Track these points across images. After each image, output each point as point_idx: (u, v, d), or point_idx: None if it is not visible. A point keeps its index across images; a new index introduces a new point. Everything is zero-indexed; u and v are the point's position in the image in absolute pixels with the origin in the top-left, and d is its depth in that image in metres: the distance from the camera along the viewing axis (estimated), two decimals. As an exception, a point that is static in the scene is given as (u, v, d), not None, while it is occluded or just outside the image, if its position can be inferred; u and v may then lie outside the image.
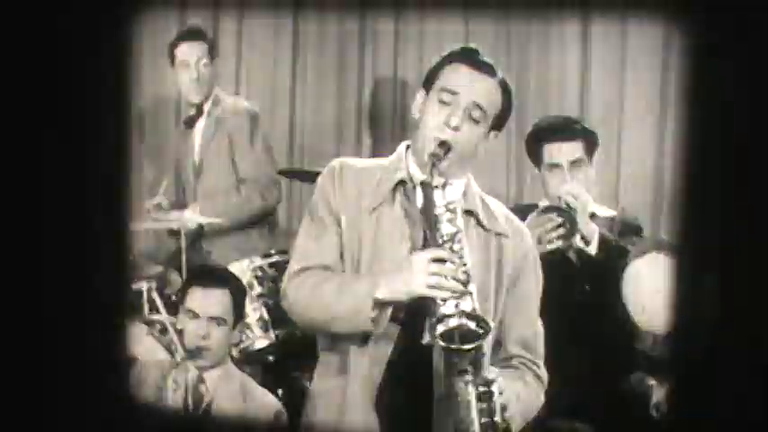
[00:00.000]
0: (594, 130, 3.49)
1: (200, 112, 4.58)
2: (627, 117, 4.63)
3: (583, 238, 3.25)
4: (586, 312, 3.26)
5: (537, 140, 3.43)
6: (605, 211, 3.51)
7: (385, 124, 5.09)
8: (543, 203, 3.36)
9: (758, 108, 1.81)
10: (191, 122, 4.61)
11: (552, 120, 3.57)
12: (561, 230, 3.20)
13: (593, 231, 3.26)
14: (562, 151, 3.36)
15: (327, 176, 2.56)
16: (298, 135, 5.23)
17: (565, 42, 4.79)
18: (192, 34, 4.58)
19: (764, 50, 1.80)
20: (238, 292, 3.31)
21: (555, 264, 3.08)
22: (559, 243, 3.20)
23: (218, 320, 3.19)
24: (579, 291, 3.28)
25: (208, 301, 3.21)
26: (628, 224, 3.49)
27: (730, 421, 1.86)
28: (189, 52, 4.52)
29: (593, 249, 3.26)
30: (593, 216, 3.35)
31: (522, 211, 3.10)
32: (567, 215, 3.22)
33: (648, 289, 3.12)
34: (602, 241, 3.27)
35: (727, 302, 1.84)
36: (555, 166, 3.35)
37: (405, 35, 5.03)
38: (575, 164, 3.35)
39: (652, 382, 3.34)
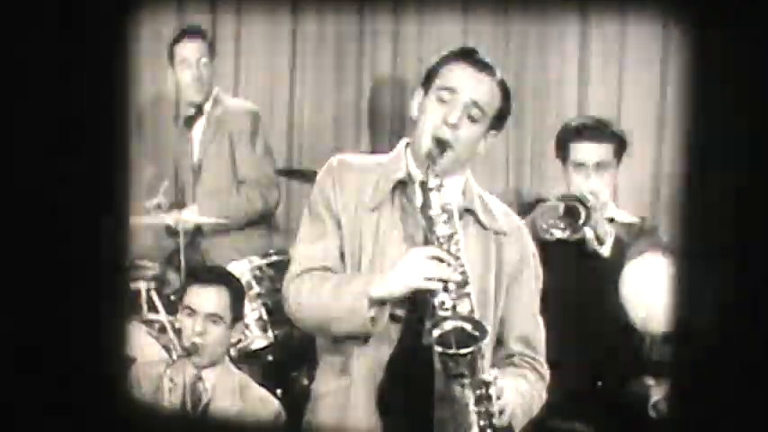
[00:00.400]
0: (624, 133, 3.47)
1: (199, 111, 4.57)
2: (625, 117, 4.62)
3: (597, 238, 3.24)
4: (593, 312, 3.26)
5: (566, 138, 3.42)
6: (625, 217, 3.49)
7: (384, 124, 5.08)
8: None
9: (758, 108, 1.81)
10: (190, 122, 4.60)
11: (584, 119, 3.56)
12: (573, 219, 3.20)
13: (608, 233, 3.25)
14: (589, 152, 3.36)
15: (326, 174, 2.55)
16: (296, 134, 5.22)
17: (564, 42, 4.78)
18: (192, 33, 4.57)
19: (765, 49, 1.80)
20: (236, 291, 3.31)
21: (565, 262, 3.07)
22: (569, 231, 3.19)
23: (215, 318, 3.19)
24: (588, 290, 3.27)
25: (205, 298, 3.21)
26: (647, 233, 3.47)
27: (730, 421, 1.85)
28: (189, 51, 4.51)
29: (606, 251, 3.25)
30: (611, 220, 3.34)
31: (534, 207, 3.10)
32: (584, 207, 3.21)
33: (646, 289, 3.12)
34: (616, 244, 3.26)
35: (726, 302, 1.84)
36: (580, 165, 3.35)
37: (403, 35, 5.02)
38: (600, 166, 3.34)
39: (651, 382, 3.34)
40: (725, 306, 1.84)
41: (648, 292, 3.10)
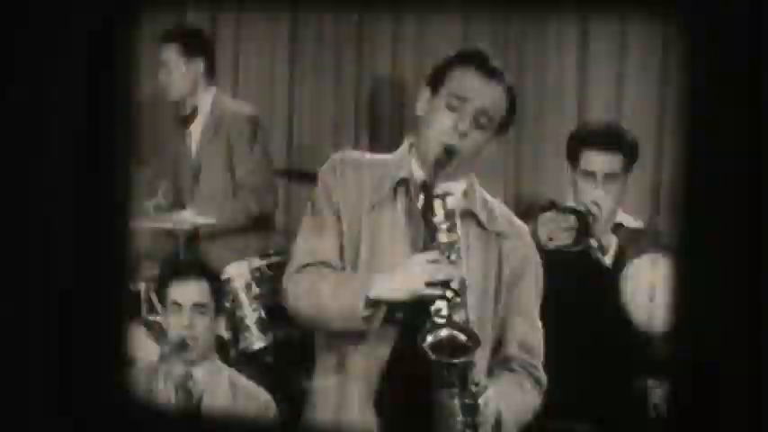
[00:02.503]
0: (637, 141, 3.40)
1: (195, 111, 4.57)
2: (625, 117, 4.61)
3: (600, 248, 3.21)
4: (592, 317, 3.24)
5: (577, 144, 3.35)
6: (632, 222, 3.46)
7: (383, 125, 5.08)
8: (569, 203, 3.35)
9: (758, 108, 1.81)
10: (185, 121, 4.60)
11: (597, 126, 3.46)
12: (573, 232, 3.16)
13: (611, 244, 3.23)
14: (599, 162, 3.29)
15: (329, 170, 2.55)
16: (295, 135, 5.23)
17: (564, 42, 4.78)
18: (166, 36, 4.57)
19: (765, 49, 1.80)
20: (215, 280, 3.40)
21: (568, 270, 3.07)
22: (567, 243, 3.16)
23: (201, 308, 3.26)
24: (589, 295, 3.24)
25: (188, 289, 3.28)
26: (652, 236, 3.44)
27: (730, 422, 1.85)
28: (163, 53, 4.52)
29: (608, 260, 3.22)
30: (620, 226, 3.32)
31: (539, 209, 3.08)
32: (583, 219, 3.17)
33: (646, 289, 3.12)
34: (620, 254, 3.24)
35: (726, 302, 1.84)
36: (589, 173, 3.29)
37: (403, 35, 5.03)
38: (609, 176, 3.27)
39: (651, 382, 3.34)
40: (725, 306, 1.84)
41: (649, 292, 3.10)
